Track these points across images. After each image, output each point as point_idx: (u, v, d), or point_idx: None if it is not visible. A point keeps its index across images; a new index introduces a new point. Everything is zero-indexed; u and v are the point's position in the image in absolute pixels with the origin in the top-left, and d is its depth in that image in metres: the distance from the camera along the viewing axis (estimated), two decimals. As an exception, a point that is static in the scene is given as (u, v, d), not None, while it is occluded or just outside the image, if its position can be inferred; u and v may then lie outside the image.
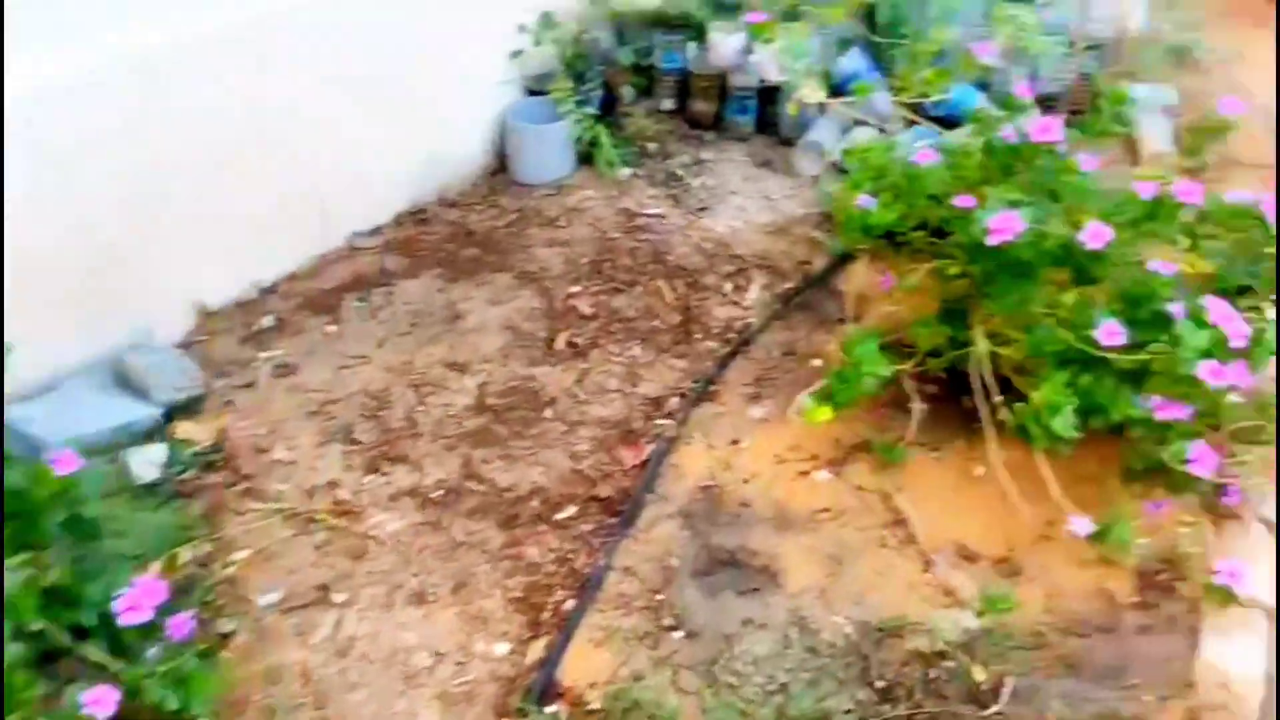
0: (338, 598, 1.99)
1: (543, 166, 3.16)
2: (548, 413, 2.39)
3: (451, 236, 2.99)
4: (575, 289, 2.75)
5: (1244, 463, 2.01)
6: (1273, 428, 2.12)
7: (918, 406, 2.31)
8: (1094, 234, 1.91)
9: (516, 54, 3.18)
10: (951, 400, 2.31)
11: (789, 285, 2.75)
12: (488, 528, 2.12)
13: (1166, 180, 2.23)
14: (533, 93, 3.25)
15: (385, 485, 2.23)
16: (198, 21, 2.39)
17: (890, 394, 2.39)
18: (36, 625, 1.64)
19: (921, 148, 2.25)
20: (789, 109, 2.99)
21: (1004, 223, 1.92)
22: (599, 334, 2.60)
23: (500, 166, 3.25)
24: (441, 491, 2.21)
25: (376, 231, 3.00)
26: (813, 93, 2.98)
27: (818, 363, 2.51)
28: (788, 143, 3.21)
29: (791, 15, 3.17)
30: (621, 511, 2.14)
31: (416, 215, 3.08)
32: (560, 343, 2.58)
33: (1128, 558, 1.85)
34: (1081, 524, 1.92)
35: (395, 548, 2.08)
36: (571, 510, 2.16)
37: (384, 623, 1.93)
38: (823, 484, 2.21)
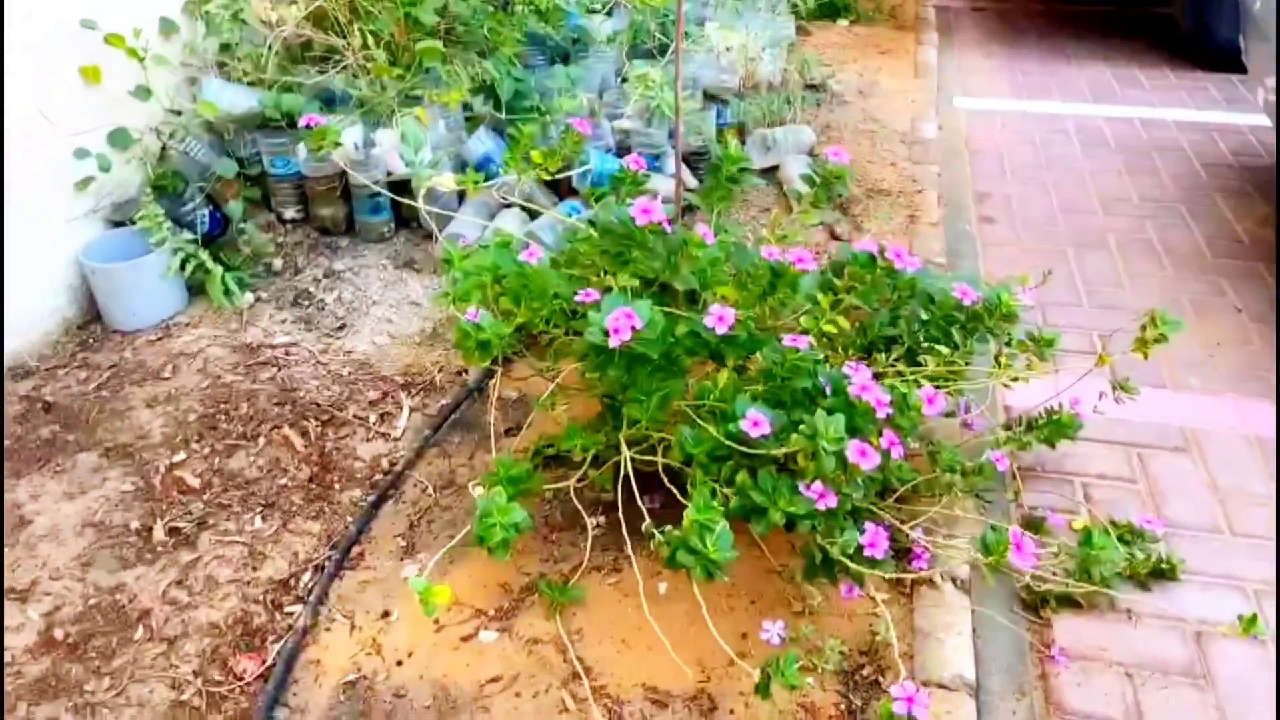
0: None
1: (140, 309, 2.64)
2: (139, 632, 1.87)
3: (23, 416, 2.40)
4: (180, 456, 2.25)
5: (921, 522, 1.89)
6: (945, 478, 2.04)
7: (591, 523, 2.03)
8: (718, 317, 1.72)
9: (85, 183, 2.65)
10: (628, 509, 2.06)
11: (443, 402, 2.41)
12: (49, 821, 1.59)
13: (795, 238, 2.14)
14: (118, 225, 2.73)
15: (-95, 791, 1.64)
16: None
17: (565, 512, 2.11)
18: None
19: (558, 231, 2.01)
20: (423, 201, 2.68)
21: (621, 320, 1.68)
22: (210, 510, 2.12)
23: (89, 318, 2.70)
24: (-13, 782, 1.65)
25: (-83, 426, 2.36)
26: (444, 181, 2.70)
27: (481, 493, 2.17)
28: (432, 237, 2.90)
29: (411, 101, 2.89)
30: (239, 747, 1.68)
31: (-24, 396, 2.46)
32: (160, 531, 2.08)
33: (822, 670, 1.64)
34: (776, 629, 1.71)
35: None
36: (171, 763, 1.67)
37: None
38: (490, 646, 1.86)
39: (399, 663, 1.83)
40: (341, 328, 2.64)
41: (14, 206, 2.52)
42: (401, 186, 2.86)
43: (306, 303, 2.72)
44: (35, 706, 1.75)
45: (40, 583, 1.98)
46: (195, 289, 2.77)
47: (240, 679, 1.80)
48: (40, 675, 1.80)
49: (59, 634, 1.87)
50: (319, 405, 2.40)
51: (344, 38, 2.98)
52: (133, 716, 1.74)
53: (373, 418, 2.38)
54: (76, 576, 1.99)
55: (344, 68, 2.94)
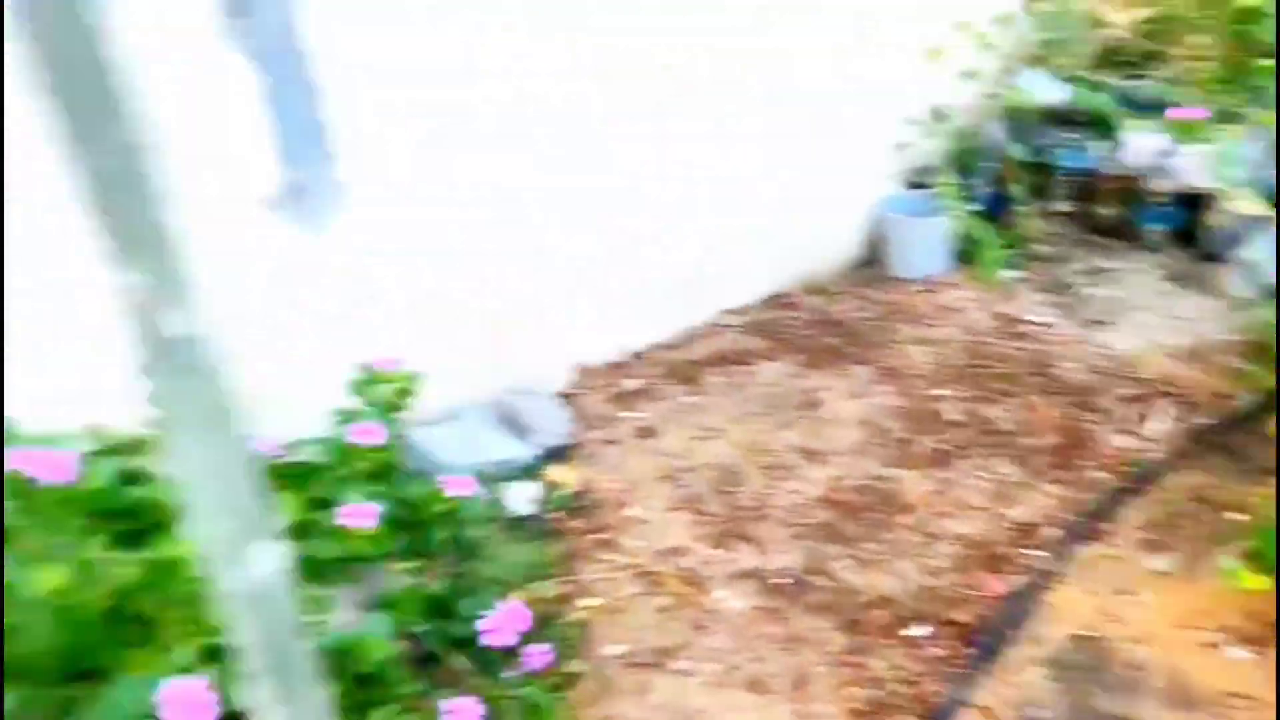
0: (676, 665, 1.99)
1: (916, 261, 3.07)
2: (903, 519, 2.25)
3: (813, 324, 2.98)
4: (941, 391, 2.60)
5: None
6: None
7: (1381, 592, 1.86)
8: None
9: (902, 146, 3.13)
10: None
11: (1204, 421, 2.38)
12: (830, 628, 2.02)
13: None
14: (914, 186, 3.18)
15: (730, 562, 2.22)
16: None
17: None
18: (418, 628, 1.81)
19: None
20: (1216, 220, 2.64)
21: None
22: (966, 444, 2.42)
23: (870, 259, 3.20)
24: (786, 580, 2.15)
25: (742, 311, 3.08)
26: (1248, 204, 2.62)
27: (1237, 517, 2.13)
28: (1211, 258, 2.82)
29: (1227, 117, 2.82)
30: (979, 643, 1.94)
31: (781, 299, 3.12)
32: (922, 446, 2.44)
33: None
34: None
35: (735, 627, 2.05)
36: (923, 629, 2.00)
37: (719, 702, 1.89)
38: (1237, 664, 1.84)
39: (1135, 640, 1.92)
40: (1099, 322, 2.75)
41: (840, 158, 3.06)
42: (1191, 200, 2.84)
43: (1065, 292, 2.88)
44: (820, 543, 2.23)
45: (826, 453, 2.48)
46: (959, 257, 3.11)
47: (981, 591, 2.06)
48: (824, 522, 2.28)
49: (840, 496, 2.34)
50: (1070, 386, 2.55)
51: (1167, 47, 3.02)
52: (892, 582, 2.11)
53: (1123, 413, 2.45)
54: (854, 458, 2.44)
55: (1161, 77, 2.98)
